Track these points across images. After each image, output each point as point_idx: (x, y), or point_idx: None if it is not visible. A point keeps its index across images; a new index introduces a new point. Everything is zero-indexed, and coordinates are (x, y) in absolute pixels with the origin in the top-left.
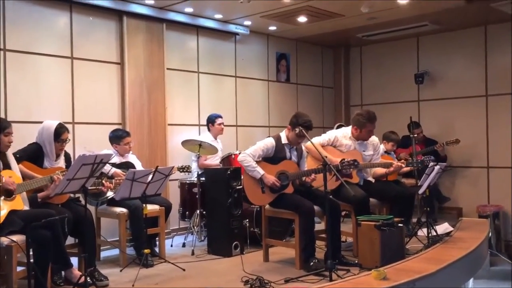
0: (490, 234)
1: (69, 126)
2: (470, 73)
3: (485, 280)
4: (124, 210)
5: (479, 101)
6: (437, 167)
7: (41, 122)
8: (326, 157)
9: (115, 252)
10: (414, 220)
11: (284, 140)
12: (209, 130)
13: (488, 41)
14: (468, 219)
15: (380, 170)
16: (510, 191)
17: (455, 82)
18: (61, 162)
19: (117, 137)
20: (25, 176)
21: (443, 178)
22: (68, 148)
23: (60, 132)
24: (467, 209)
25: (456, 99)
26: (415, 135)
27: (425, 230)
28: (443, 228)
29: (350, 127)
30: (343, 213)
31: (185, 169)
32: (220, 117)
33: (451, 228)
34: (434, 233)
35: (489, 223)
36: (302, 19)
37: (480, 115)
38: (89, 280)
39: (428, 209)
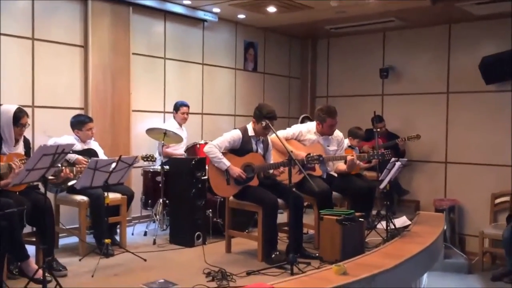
0: (445, 228)
1: (29, 110)
2: (433, 70)
3: (439, 272)
4: (84, 198)
5: (440, 97)
6: (398, 163)
7: None
8: (292, 151)
9: (74, 239)
10: (374, 212)
11: (251, 133)
12: (174, 117)
13: (451, 40)
14: (425, 213)
15: (342, 167)
16: (466, 186)
17: (418, 78)
18: (20, 148)
19: (79, 122)
20: None
21: (403, 172)
22: (27, 133)
23: (19, 117)
24: (425, 202)
25: (418, 95)
26: (378, 129)
27: (384, 223)
28: (401, 221)
29: (315, 123)
30: (305, 203)
31: (149, 158)
32: (186, 106)
33: (408, 222)
34: (393, 227)
35: (445, 216)
36: (271, 9)
37: (441, 111)
38: (47, 275)
39: (388, 203)
